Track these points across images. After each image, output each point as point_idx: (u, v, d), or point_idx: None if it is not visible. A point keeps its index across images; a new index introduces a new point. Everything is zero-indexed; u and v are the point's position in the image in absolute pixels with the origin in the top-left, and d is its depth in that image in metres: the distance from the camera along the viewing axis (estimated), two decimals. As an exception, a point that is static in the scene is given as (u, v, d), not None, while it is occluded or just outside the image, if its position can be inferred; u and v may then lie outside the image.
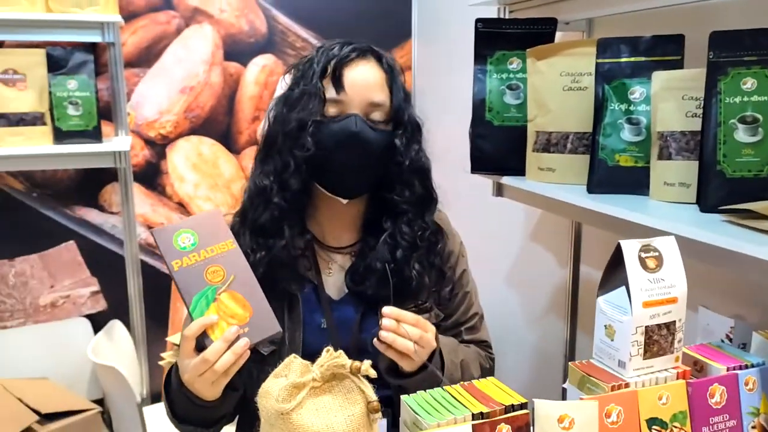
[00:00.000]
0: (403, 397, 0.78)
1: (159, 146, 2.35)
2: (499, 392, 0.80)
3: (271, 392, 0.74)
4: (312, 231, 1.17)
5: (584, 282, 1.73)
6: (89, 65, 2.01)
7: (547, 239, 1.90)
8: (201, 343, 0.93)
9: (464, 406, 0.77)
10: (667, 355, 0.85)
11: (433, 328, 1.05)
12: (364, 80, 1.10)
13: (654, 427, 0.81)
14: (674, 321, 0.84)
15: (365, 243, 1.16)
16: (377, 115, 1.11)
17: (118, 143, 2.06)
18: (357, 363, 0.75)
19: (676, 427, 0.82)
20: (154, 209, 2.38)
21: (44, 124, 1.97)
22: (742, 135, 1.01)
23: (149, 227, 2.38)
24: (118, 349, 2.23)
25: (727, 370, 0.86)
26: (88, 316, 2.33)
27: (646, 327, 0.83)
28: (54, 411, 1.80)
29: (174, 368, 1.03)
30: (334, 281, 1.16)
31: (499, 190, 1.59)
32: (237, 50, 2.40)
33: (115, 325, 2.28)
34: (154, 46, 2.30)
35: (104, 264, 2.33)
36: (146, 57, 2.29)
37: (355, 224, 1.19)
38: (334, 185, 1.12)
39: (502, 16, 1.57)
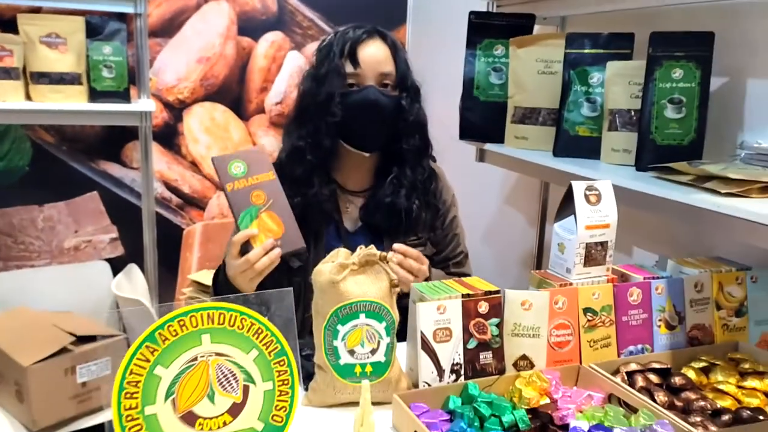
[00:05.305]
0: (414, 284, 1.09)
1: (176, 110, 2.61)
2: (480, 283, 1.12)
3: (324, 270, 1.04)
4: (336, 179, 1.47)
5: (549, 239, 2.03)
6: (122, 33, 2.24)
7: (519, 201, 2.22)
8: (245, 248, 1.23)
9: (455, 290, 1.08)
10: (601, 266, 1.16)
11: (427, 262, 1.34)
12: (374, 56, 1.39)
13: (588, 314, 1.13)
14: (607, 241, 1.16)
15: (376, 186, 1.46)
16: (387, 83, 1.40)
17: (144, 104, 2.30)
18: (384, 253, 1.05)
19: (604, 315, 1.14)
20: (169, 167, 2.64)
21: (81, 84, 2.20)
22: (669, 112, 1.32)
23: (165, 183, 2.63)
24: (135, 289, 2.48)
25: (644, 279, 1.18)
26: (108, 260, 2.58)
27: (587, 244, 1.14)
28: (88, 334, 2.05)
29: (221, 268, 1.32)
30: (350, 217, 1.47)
31: (482, 156, 1.89)
32: (250, 26, 2.65)
33: (133, 268, 2.53)
34: (176, 19, 2.54)
35: (123, 214, 2.57)
36: (168, 28, 2.54)
37: (370, 173, 1.49)
38: (358, 142, 1.41)
39: (490, 9, 1.86)
